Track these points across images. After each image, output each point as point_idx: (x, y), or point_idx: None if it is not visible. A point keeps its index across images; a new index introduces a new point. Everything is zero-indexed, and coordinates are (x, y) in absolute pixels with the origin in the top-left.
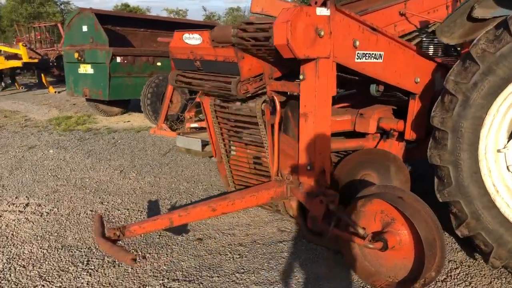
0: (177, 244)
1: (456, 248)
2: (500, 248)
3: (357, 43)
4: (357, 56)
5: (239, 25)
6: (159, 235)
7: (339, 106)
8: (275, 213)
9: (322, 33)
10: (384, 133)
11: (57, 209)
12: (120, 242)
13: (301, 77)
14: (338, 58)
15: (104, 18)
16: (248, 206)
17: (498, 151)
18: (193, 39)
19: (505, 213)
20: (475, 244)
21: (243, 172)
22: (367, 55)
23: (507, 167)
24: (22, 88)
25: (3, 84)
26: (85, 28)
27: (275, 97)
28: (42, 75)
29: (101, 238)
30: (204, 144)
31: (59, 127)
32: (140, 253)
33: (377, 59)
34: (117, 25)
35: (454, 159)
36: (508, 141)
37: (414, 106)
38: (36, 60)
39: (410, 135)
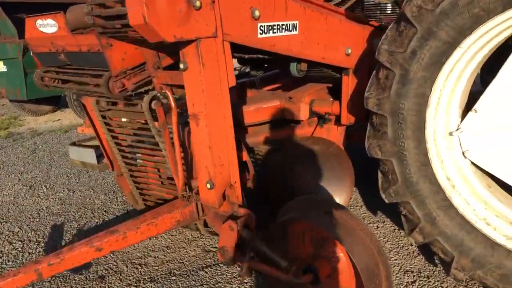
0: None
1: (412, 252)
2: (462, 257)
3: (257, 12)
4: (261, 30)
5: (91, 3)
6: (53, 276)
7: (270, 88)
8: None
9: (199, 3)
10: (320, 118)
11: None
12: None
13: (181, 66)
14: (231, 36)
15: (15, 6)
16: (146, 237)
17: (450, 134)
18: (48, 26)
19: (464, 213)
20: (433, 252)
21: (153, 185)
22: (275, 27)
23: (463, 153)
24: None
25: None
26: None
27: (168, 92)
28: None
29: None
30: (100, 154)
31: None
32: None
33: (291, 31)
34: (34, 13)
35: (398, 150)
36: (461, 121)
37: (348, 84)
38: None
39: (347, 119)
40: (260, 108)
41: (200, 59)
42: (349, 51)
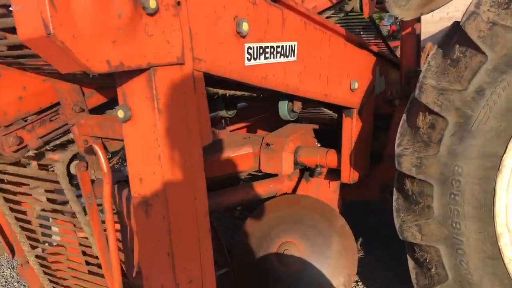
0: None
1: None
2: None
3: (245, 26)
4: (248, 54)
5: None
6: None
7: (235, 128)
8: None
9: (155, 4)
10: (306, 169)
11: None
12: None
13: (120, 114)
14: (207, 63)
15: None
16: None
17: None
18: None
19: None
20: None
21: (76, 274)
22: (267, 50)
23: None
24: None
25: None
26: None
27: (98, 148)
28: None
29: None
30: None
31: None
32: None
33: (288, 57)
34: None
35: (449, 234)
36: None
37: (352, 129)
38: None
39: (350, 175)
40: (227, 157)
41: (155, 102)
42: (356, 85)
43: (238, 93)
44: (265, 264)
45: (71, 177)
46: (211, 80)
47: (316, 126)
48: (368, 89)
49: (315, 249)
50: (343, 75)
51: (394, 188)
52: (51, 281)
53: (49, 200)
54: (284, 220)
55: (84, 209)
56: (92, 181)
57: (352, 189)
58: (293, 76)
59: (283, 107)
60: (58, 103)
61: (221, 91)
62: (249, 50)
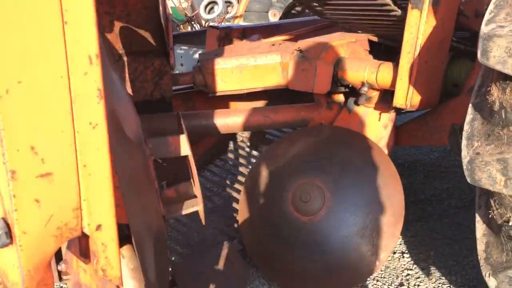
0: None
1: None
2: None
3: None
4: None
5: None
6: None
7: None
8: None
9: None
10: (350, 92)
11: None
12: None
13: None
14: None
15: None
16: None
17: None
18: None
19: None
20: None
21: None
22: None
23: None
24: None
25: None
26: None
27: None
28: None
29: None
30: None
31: None
32: None
33: None
34: None
35: None
36: None
37: (418, 27)
38: None
39: (406, 98)
40: (245, 67)
41: None
42: None
43: None
44: (278, 211)
45: None
46: None
47: (375, 39)
48: None
49: (345, 198)
50: None
51: (470, 104)
52: None
53: None
54: (311, 156)
55: None
56: None
57: (411, 127)
58: None
59: None
60: None
61: None
62: None
